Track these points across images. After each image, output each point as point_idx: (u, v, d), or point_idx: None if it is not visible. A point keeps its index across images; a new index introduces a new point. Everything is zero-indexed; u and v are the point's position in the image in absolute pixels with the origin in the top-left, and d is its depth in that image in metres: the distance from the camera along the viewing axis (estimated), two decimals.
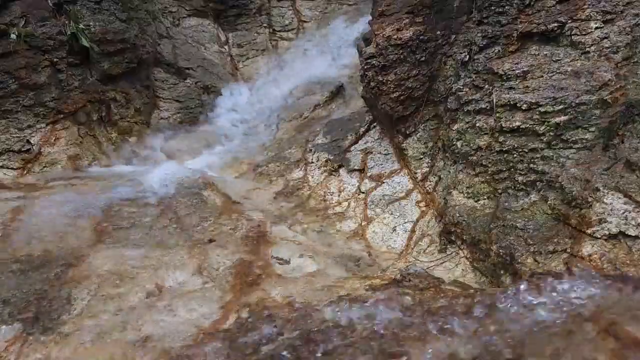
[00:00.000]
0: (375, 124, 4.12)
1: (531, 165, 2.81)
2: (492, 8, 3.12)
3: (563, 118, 2.70)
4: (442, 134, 3.48)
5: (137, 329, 2.26)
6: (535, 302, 1.55)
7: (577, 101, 2.67)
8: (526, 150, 2.82)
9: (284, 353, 1.65)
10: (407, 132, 3.69)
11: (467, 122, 3.14)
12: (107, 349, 2.13)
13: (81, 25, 4.61)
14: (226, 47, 6.77)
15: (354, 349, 1.58)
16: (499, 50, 3.07)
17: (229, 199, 3.71)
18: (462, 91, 3.19)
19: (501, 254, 2.70)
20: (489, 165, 2.99)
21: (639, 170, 2.47)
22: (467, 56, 3.26)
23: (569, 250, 2.49)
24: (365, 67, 3.69)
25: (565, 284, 1.59)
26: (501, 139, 2.90)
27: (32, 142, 4.38)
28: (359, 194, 3.73)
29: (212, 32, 6.73)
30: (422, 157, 3.65)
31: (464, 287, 2.43)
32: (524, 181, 2.83)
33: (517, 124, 2.81)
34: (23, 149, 4.35)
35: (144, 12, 5.83)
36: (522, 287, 1.66)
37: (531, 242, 2.61)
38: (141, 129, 5.30)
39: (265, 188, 4.06)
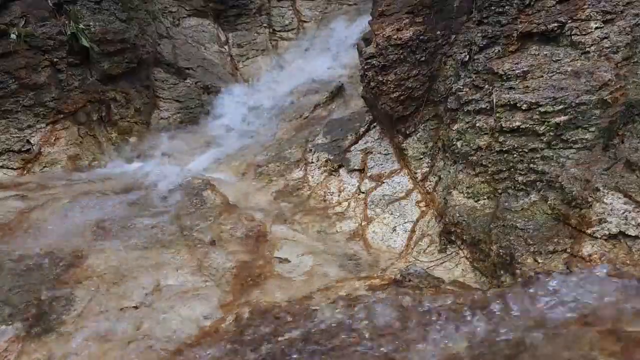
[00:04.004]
0: (375, 124, 4.12)
1: (531, 165, 2.81)
2: (492, 8, 3.12)
3: (563, 118, 2.70)
4: (442, 134, 3.48)
5: (138, 328, 2.26)
6: (535, 302, 1.55)
7: (577, 101, 2.67)
8: (526, 150, 2.82)
9: (284, 353, 1.65)
10: (407, 132, 3.69)
11: (467, 122, 3.14)
12: (108, 349, 2.13)
13: (81, 25, 4.61)
14: (226, 47, 6.77)
15: (353, 349, 1.58)
16: (499, 50, 3.07)
17: (229, 199, 3.71)
18: (462, 91, 3.19)
19: (501, 254, 2.70)
20: (489, 165, 2.99)
21: (639, 170, 2.47)
22: (467, 56, 3.26)
23: (569, 250, 2.49)
24: (365, 67, 3.69)
25: (565, 284, 1.59)
26: (501, 139, 2.90)
27: (32, 142, 4.38)
28: (359, 194, 3.73)
29: (212, 32, 6.73)
30: (422, 157, 3.65)
31: (464, 287, 2.43)
32: (524, 181, 2.83)
33: (517, 124, 2.81)
34: (23, 149, 4.35)
35: (144, 12, 5.83)
36: (522, 287, 1.67)
37: (531, 242, 2.61)
38: (141, 129, 5.30)
39: (265, 188, 4.06)
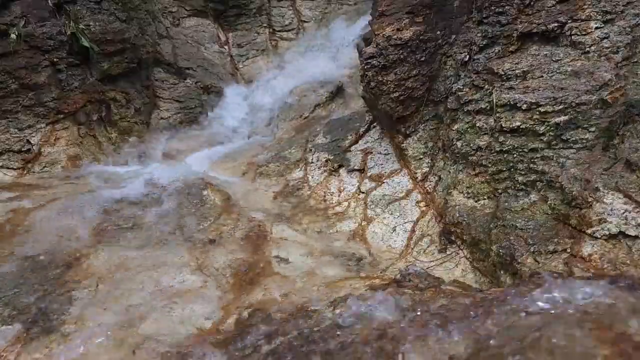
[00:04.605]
0: (375, 124, 4.12)
1: (531, 165, 2.81)
2: (492, 8, 3.12)
3: (563, 118, 2.70)
4: (442, 134, 3.48)
5: (137, 328, 2.26)
6: (535, 302, 1.55)
7: (577, 101, 2.67)
8: (526, 150, 2.82)
9: (284, 353, 1.65)
10: (407, 132, 3.69)
11: (467, 122, 3.14)
12: (107, 349, 2.13)
13: (81, 25, 4.60)
14: (226, 47, 6.77)
15: (353, 349, 1.58)
16: (499, 50, 3.07)
17: (229, 198, 3.71)
18: (462, 91, 3.19)
19: (501, 254, 2.70)
20: (489, 165, 2.99)
21: (639, 170, 2.47)
22: (467, 56, 3.26)
23: (569, 250, 2.49)
24: (365, 67, 3.68)
25: (565, 284, 1.59)
26: (501, 139, 2.90)
27: (32, 142, 4.38)
28: (359, 194, 3.73)
29: (212, 32, 6.73)
30: (422, 157, 3.65)
31: (464, 287, 2.43)
32: (524, 181, 2.83)
33: (517, 124, 2.81)
34: (23, 149, 4.35)
35: (144, 12, 5.82)
36: (522, 287, 1.66)
37: (531, 242, 2.61)
38: (141, 129, 5.30)
39: (265, 188, 4.06)
